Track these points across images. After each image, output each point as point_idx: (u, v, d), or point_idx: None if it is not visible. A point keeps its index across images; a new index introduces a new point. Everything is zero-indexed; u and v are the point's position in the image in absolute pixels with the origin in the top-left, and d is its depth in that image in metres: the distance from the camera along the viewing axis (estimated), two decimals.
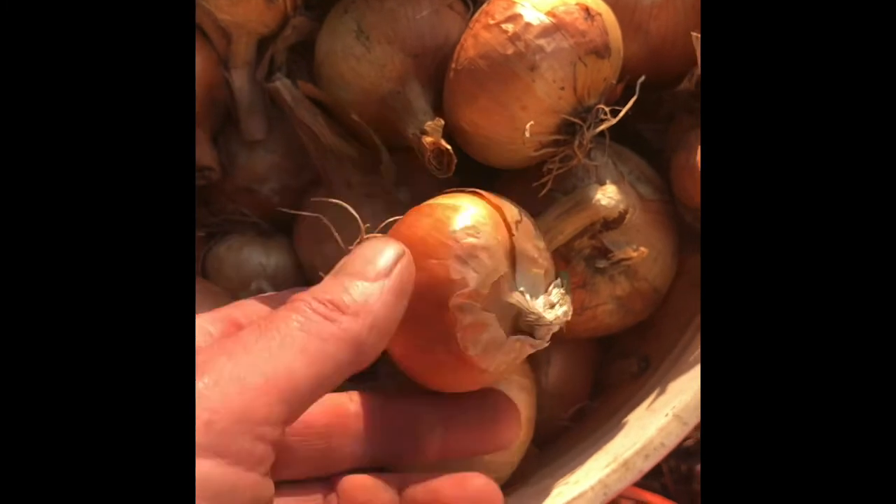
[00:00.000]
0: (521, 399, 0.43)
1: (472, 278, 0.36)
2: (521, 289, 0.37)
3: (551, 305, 0.38)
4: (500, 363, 0.37)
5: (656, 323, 0.52)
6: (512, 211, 0.39)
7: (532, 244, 0.39)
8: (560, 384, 0.52)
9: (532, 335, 0.37)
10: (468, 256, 0.36)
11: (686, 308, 0.50)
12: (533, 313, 0.37)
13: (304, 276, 0.49)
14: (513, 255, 0.38)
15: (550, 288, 0.39)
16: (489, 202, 0.38)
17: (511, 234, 0.38)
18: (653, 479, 0.89)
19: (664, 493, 0.89)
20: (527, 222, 0.39)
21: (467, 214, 0.37)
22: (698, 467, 0.88)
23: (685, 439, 0.91)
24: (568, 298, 0.39)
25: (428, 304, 0.36)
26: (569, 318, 0.38)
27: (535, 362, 0.50)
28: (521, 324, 0.37)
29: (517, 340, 0.37)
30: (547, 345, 0.38)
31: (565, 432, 0.51)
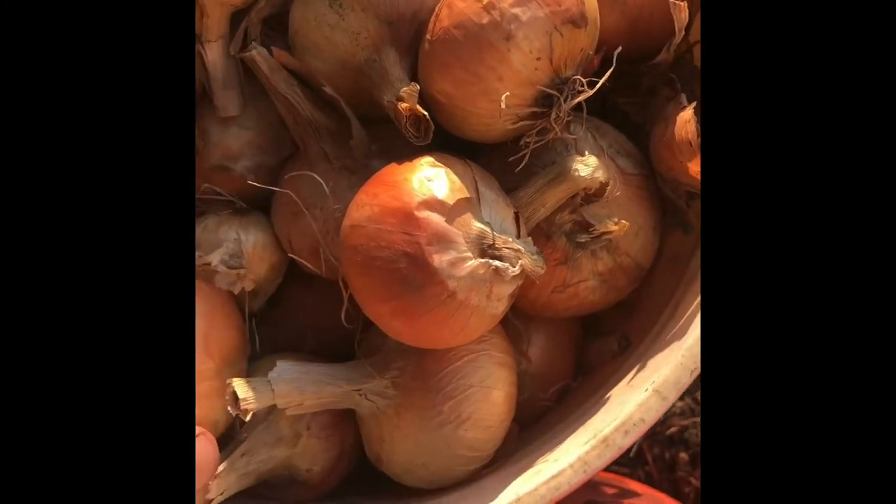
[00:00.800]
0: (501, 375, 0.43)
1: (437, 189, 0.38)
2: (489, 220, 0.39)
3: (522, 243, 0.39)
4: (470, 289, 0.38)
5: (637, 301, 0.52)
6: (476, 167, 0.41)
7: (495, 187, 0.41)
8: (542, 365, 0.52)
9: (499, 260, 0.38)
10: (433, 175, 0.39)
11: (666, 286, 0.50)
12: (500, 237, 0.38)
13: (283, 249, 0.49)
14: (477, 190, 0.39)
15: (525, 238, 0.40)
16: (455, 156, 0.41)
17: (473, 173, 0.40)
18: (637, 468, 0.90)
19: (648, 481, 0.89)
20: (491, 177, 0.41)
21: (433, 156, 0.40)
22: (682, 455, 0.88)
23: (671, 426, 0.91)
24: (541, 256, 0.40)
25: (395, 220, 0.38)
26: (542, 268, 0.40)
27: (516, 343, 0.49)
28: (489, 250, 0.38)
29: (485, 262, 0.38)
30: (516, 272, 0.38)
31: (548, 412, 0.51)
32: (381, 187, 0.39)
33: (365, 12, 0.43)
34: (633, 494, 0.78)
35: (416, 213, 0.38)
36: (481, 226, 0.39)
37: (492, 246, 0.38)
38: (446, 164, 0.40)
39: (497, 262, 0.38)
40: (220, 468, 0.42)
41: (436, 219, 0.38)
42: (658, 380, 0.38)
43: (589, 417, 0.42)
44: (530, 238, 0.41)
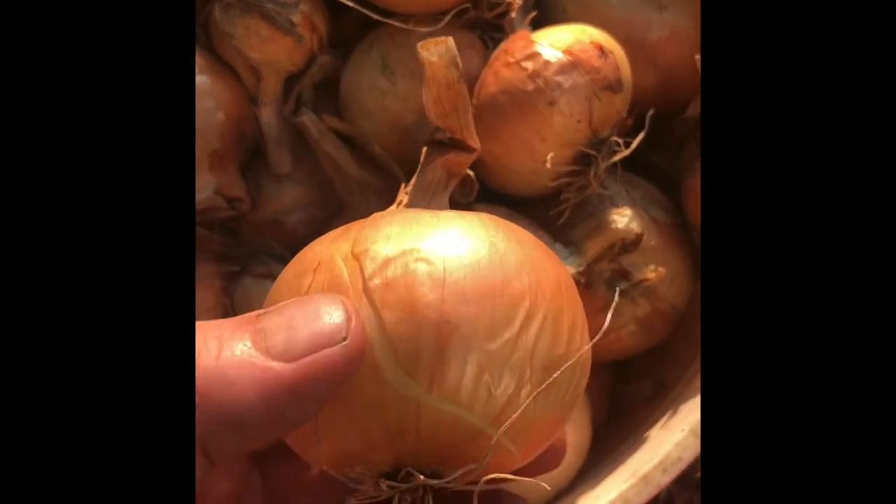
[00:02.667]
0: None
1: None
2: None
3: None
4: None
5: (669, 346, 0.55)
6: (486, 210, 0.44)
7: (507, 218, 0.44)
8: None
9: None
10: None
11: (697, 332, 0.53)
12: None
13: None
14: None
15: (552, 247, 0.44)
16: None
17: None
18: None
19: None
20: (500, 211, 0.45)
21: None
22: None
23: (699, 470, 0.93)
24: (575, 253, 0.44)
25: None
26: (580, 268, 0.44)
27: None
28: None
29: None
30: None
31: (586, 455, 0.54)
32: None
33: (415, 79, 0.47)
34: None
35: None
36: None
37: None
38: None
39: None
40: None
41: None
42: (693, 421, 0.41)
43: (626, 458, 0.45)
44: (559, 245, 0.44)
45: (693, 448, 0.41)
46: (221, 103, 0.48)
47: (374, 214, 0.30)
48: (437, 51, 0.30)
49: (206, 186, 0.48)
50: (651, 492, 0.41)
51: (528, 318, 0.26)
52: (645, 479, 0.41)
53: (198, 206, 0.48)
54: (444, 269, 0.26)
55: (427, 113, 0.31)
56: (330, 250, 0.28)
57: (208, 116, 0.47)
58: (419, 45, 0.30)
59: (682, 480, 0.94)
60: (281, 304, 0.26)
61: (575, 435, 0.47)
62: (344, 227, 0.29)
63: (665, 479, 0.41)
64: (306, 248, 0.30)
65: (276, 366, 0.25)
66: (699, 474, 0.91)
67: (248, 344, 0.25)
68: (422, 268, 0.26)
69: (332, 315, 0.25)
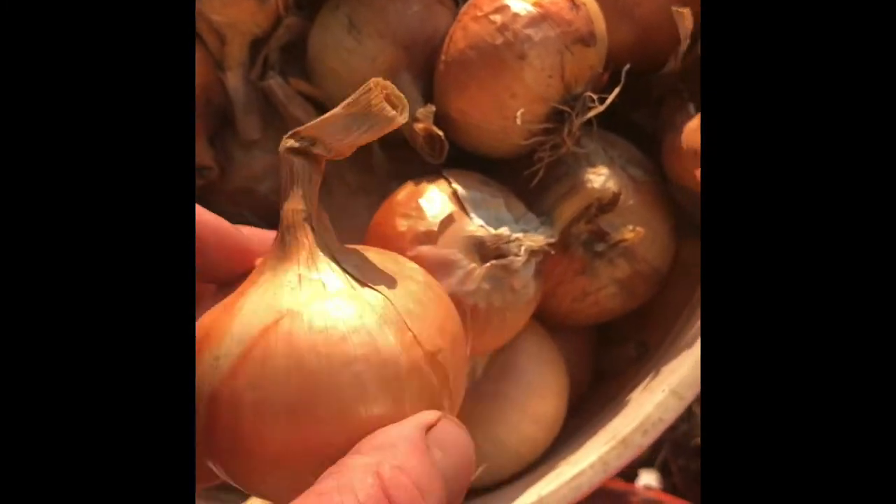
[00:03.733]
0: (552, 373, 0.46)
1: (419, 222, 0.41)
2: (480, 223, 0.42)
3: (522, 225, 0.42)
4: (489, 294, 0.41)
5: (652, 310, 0.54)
6: (456, 173, 0.44)
7: (476, 185, 0.43)
8: None
9: (503, 256, 0.41)
10: (410, 210, 0.42)
11: (681, 292, 0.52)
12: (494, 234, 0.41)
13: None
14: (459, 200, 0.42)
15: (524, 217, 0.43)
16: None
17: (450, 184, 0.43)
18: (664, 479, 0.91)
19: (674, 492, 0.91)
20: (471, 176, 0.44)
21: (409, 187, 0.43)
22: None
23: (695, 437, 0.93)
24: (548, 225, 0.43)
25: None
26: (552, 237, 0.42)
27: None
28: (489, 251, 0.41)
29: (489, 266, 0.41)
30: (523, 259, 0.41)
31: (567, 420, 0.53)
32: (373, 244, 0.41)
33: (382, 38, 0.46)
34: (655, 502, 0.80)
35: (408, 254, 0.40)
36: (472, 233, 0.41)
37: (490, 247, 0.41)
38: (422, 193, 0.43)
39: (501, 261, 0.41)
40: None
41: (426, 250, 0.41)
42: (674, 381, 0.41)
43: (608, 421, 0.44)
44: (530, 213, 0.43)
45: (674, 409, 0.40)
46: None
47: None
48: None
49: None
50: (631, 454, 0.40)
51: None
52: (624, 441, 0.40)
53: None
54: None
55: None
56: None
57: None
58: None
59: (677, 448, 0.95)
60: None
61: (543, 408, 0.46)
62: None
63: (645, 441, 0.40)
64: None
65: None
66: (695, 441, 0.92)
67: None
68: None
69: None
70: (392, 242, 0.41)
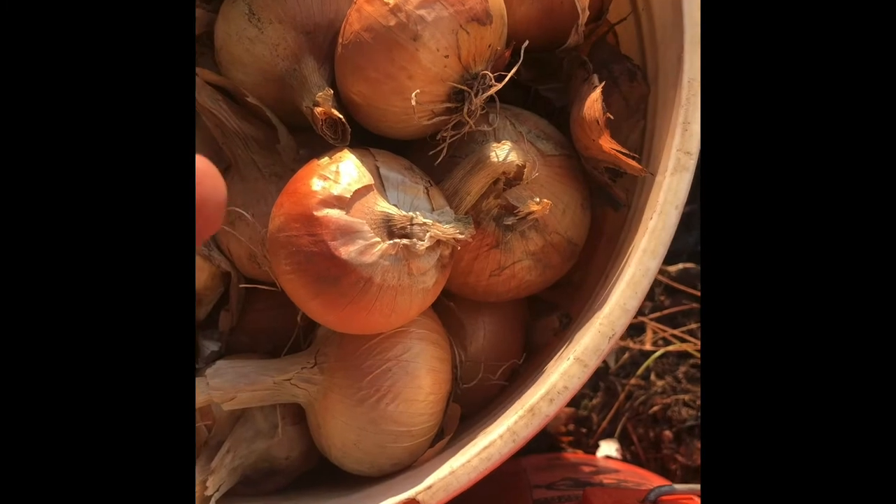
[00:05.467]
0: (421, 348, 0.47)
1: (334, 186, 0.42)
2: (394, 203, 0.43)
3: (436, 215, 0.43)
4: (385, 271, 0.42)
5: (578, 281, 0.56)
6: (381, 153, 0.45)
7: (400, 168, 0.44)
8: (491, 348, 0.55)
9: (408, 238, 0.42)
10: (329, 173, 0.43)
11: (602, 263, 0.53)
12: (406, 215, 0.42)
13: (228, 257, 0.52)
14: (380, 176, 0.43)
15: (442, 210, 0.44)
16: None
17: (375, 160, 0.44)
18: (624, 448, 0.93)
19: (635, 460, 0.93)
20: (398, 159, 0.45)
21: (331, 154, 0.44)
22: (666, 433, 0.92)
23: (653, 405, 0.95)
24: (465, 220, 0.44)
25: (299, 224, 0.41)
26: (464, 232, 0.43)
27: (460, 329, 0.53)
28: (397, 230, 0.42)
29: (393, 243, 0.42)
30: (427, 245, 0.42)
31: (499, 395, 0.55)
32: (284, 197, 0.43)
33: (282, 24, 0.47)
34: (612, 471, 0.82)
35: (315, 213, 0.41)
36: (384, 208, 0.42)
37: (398, 226, 0.42)
38: (344, 160, 0.44)
39: (405, 241, 0.42)
40: (213, 464, 0.46)
41: (335, 214, 0.42)
42: (580, 349, 0.42)
43: (522, 392, 0.46)
44: (448, 208, 0.44)
45: (578, 376, 0.42)
46: None
47: None
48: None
49: None
50: (538, 423, 0.41)
51: None
52: (531, 410, 0.42)
53: None
54: None
55: None
56: None
57: None
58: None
59: (636, 417, 0.96)
60: None
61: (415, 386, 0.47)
62: None
63: (552, 409, 0.42)
64: None
65: None
66: (653, 409, 0.93)
67: None
68: None
69: None
70: (301, 199, 0.42)
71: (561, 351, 0.47)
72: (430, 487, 0.41)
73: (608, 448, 0.95)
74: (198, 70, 0.49)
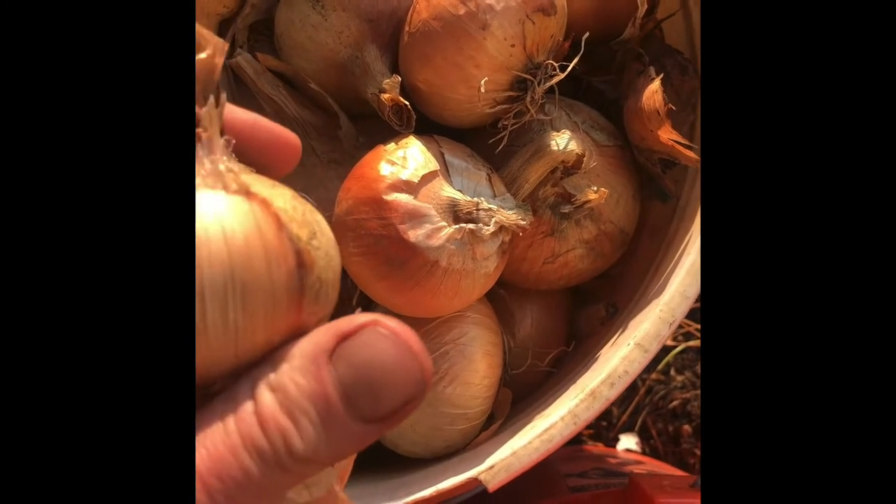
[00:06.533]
0: (477, 333, 0.48)
1: (402, 171, 0.43)
2: (459, 188, 0.44)
3: (498, 201, 0.44)
4: (451, 255, 0.43)
5: (621, 273, 0.57)
6: (444, 140, 0.46)
7: (464, 155, 0.45)
8: (537, 335, 0.56)
9: (474, 223, 0.43)
10: (396, 158, 0.44)
11: (648, 254, 0.54)
12: (471, 201, 0.43)
13: None
14: (445, 162, 0.44)
15: (503, 196, 0.45)
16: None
17: (439, 146, 0.45)
18: (643, 443, 0.95)
19: (654, 454, 0.94)
20: (461, 146, 0.46)
21: (397, 140, 0.45)
22: (685, 427, 0.93)
23: (673, 400, 0.96)
24: (525, 208, 0.44)
25: (368, 208, 0.42)
26: (525, 220, 0.44)
27: (509, 316, 0.54)
28: (463, 214, 0.43)
29: (459, 227, 0.43)
30: (492, 230, 0.43)
31: (545, 380, 0.56)
32: (352, 181, 0.44)
33: (346, 12, 0.47)
34: (637, 463, 0.83)
35: (384, 197, 0.42)
36: (450, 194, 0.43)
37: (464, 211, 0.43)
38: (410, 146, 0.45)
39: (471, 225, 0.43)
40: None
41: (404, 198, 0.43)
42: (639, 335, 0.43)
43: (578, 377, 0.47)
44: (508, 195, 0.45)
45: (639, 361, 0.43)
46: None
47: None
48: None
49: None
50: (599, 406, 0.42)
51: None
52: (593, 394, 0.43)
53: None
54: None
55: None
56: None
57: None
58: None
59: (655, 411, 0.97)
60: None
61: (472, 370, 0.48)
62: None
63: (613, 393, 0.43)
64: None
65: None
66: (672, 404, 0.94)
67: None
68: None
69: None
70: (370, 183, 0.43)
71: (615, 338, 0.48)
72: (491, 468, 0.42)
73: (628, 442, 0.96)
74: (259, 56, 0.49)
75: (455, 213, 0.43)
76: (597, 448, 0.94)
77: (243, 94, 0.53)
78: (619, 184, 0.50)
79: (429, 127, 0.48)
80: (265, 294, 0.24)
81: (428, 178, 0.43)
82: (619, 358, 0.43)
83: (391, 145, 0.45)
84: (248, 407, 0.23)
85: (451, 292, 0.43)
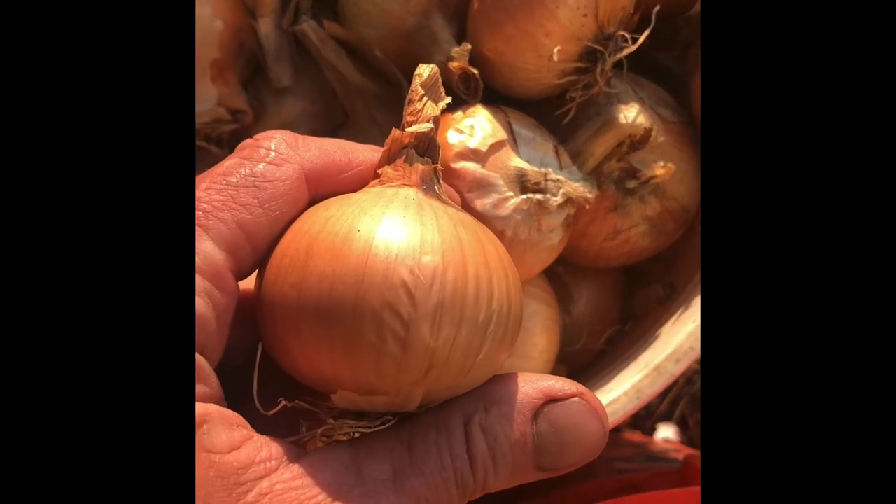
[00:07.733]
0: (536, 308, 0.47)
1: (470, 140, 0.43)
2: (527, 158, 0.43)
3: (565, 173, 0.44)
4: (517, 225, 0.42)
5: (678, 254, 0.56)
6: (511, 110, 0.45)
7: (531, 125, 0.45)
8: (592, 314, 0.56)
9: (541, 193, 0.43)
10: (464, 127, 0.43)
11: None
12: (539, 171, 0.43)
13: None
14: (512, 132, 0.44)
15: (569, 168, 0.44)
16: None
17: (507, 116, 0.44)
18: (681, 433, 0.94)
19: (691, 445, 0.93)
20: (527, 117, 0.46)
21: (464, 109, 0.45)
22: None
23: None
24: (590, 181, 0.44)
25: None
26: (591, 192, 0.44)
27: (566, 293, 0.54)
28: (531, 185, 0.43)
29: (527, 198, 0.42)
30: (559, 201, 0.42)
31: (600, 358, 0.55)
32: None
33: None
34: (677, 451, 0.83)
35: (452, 165, 0.42)
36: (518, 164, 0.43)
37: (532, 181, 0.43)
38: (478, 115, 0.44)
39: (538, 196, 0.42)
40: None
41: (472, 167, 0.42)
42: None
43: (639, 354, 0.46)
44: (574, 167, 0.45)
45: None
46: (219, 11, 0.49)
47: None
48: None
49: (208, 98, 0.49)
50: (664, 381, 0.42)
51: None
52: (657, 369, 0.42)
53: (202, 118, 0.49)
54: None
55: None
56: None
57: (206, 24, 0.48)
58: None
59: (693, 402, 0.96)
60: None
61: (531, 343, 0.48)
62: None
63: (678, 369, 0.42)
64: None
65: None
66: None
67: None
68: None
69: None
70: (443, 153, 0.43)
71: (676, 315, 0.48)
72: None
73: (666, 431, 0.95)
74: (325, 23, 0.49)
75: (522, 184, 0.43)
76: (637, 436, 0.93)
77: (306, 60, 0.53)
78: (682, 160, 0.50)
79: (494, 98, 0.48)
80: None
81: (496, 147, 0.43)
82: (685, 335, 0.42)
83: (458, 114, 0.45)
84: (462, 444, 0.27)
85: (516, 263, 0.43)
